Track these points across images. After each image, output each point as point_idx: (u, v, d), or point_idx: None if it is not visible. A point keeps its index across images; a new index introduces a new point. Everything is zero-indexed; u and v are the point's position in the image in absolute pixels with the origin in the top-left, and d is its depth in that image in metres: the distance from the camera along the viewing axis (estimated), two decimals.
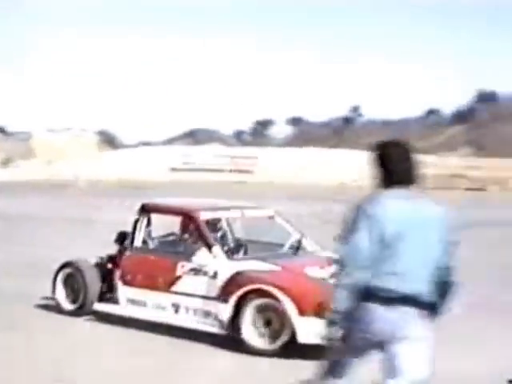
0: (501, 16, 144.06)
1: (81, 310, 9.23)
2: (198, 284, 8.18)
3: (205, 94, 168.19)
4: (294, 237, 9.06)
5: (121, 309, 8.91)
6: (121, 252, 9.22)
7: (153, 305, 8.55)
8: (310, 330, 7.26)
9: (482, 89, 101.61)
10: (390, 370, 4.38)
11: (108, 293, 9.26)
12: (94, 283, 9.15)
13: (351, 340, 4.38)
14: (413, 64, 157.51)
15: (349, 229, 4.29)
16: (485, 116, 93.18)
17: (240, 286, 7.84)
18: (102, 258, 9.43)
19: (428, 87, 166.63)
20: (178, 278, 8.34)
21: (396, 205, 4.24)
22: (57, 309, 9.50)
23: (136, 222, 9.06)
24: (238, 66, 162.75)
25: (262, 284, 7.74)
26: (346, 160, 49.42)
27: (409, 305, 4.25)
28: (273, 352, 7.61)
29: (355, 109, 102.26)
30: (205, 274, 8.16)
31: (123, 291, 8.87)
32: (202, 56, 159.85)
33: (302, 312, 7.41)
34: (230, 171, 47.34)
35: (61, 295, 9.37)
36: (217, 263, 8.15)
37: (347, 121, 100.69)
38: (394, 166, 4.26)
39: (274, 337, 7.66)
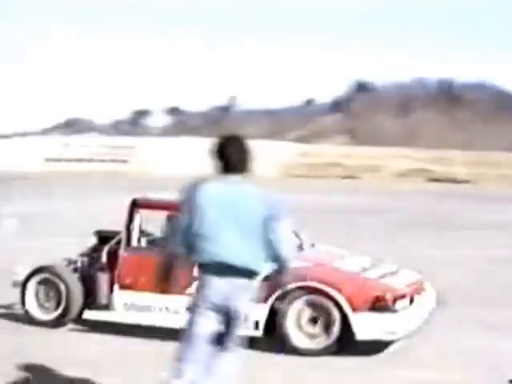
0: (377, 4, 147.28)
1: (60, 321, 8.20)
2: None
3: (81, 83, 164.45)
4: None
5: (118, 315, 7.99)
6: (110, 254, 8.15)
7: (162, 309, 7.71)
8: (366, 326, 7.05)
9: (358, 79, 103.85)
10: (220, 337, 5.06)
11: (92, 299, 8.15)
12: (76, 289, 8.05)
13: (197, 308, 5.06)
14: (291, 53, 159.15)
15: (179, 209, 5.02)
16: (360, 106, 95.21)
17: (281, 284, 7.04)
18: (79, 261, 8.36)
19: (306, 77, 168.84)
20: (195, 278, 7.36)
21: (217, 187, 4.87)
22: (25, 319, 8.36)
23: (130, 219, 8.13)
24: (114, 56, 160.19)
25: (310, 281, 7.27)
26: (210, 147, 49.22)
27: (235, 274, 4.92)
28: (318, 352, 7.23)
29: (232, 98, 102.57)
30: None
31: (121, 296, 7.98)
32: (78, 44, 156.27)
33: (356, 308, 7.05)
34: (107, 161, 46.47)
35: (32, 304, 8.19)
36: None
37: (225, 110, 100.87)
38: (229, 156, 4.90)
39: (320, 336, 7.28)
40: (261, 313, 7.26)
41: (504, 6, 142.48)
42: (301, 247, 8.08)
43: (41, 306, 8.20)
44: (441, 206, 24.98)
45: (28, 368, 6.78)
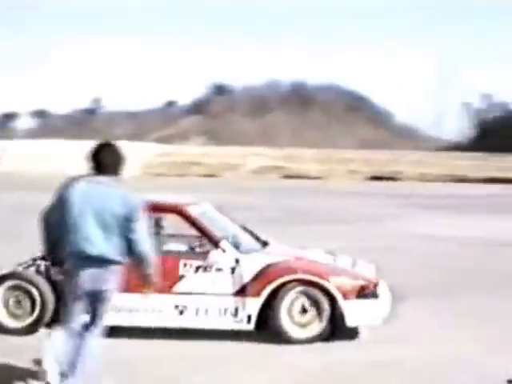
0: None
1: (33, 327, 7.56)
2: (210, 282, 7.33)
3: None
4: (237, 230, 8.20)
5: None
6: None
7: (147, 310, 7.35)
8: (355, 313, 7.23)
9: (216, 82, 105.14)
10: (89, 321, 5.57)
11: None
12: (49, 294, 7.57)
13: (69, 293, 5.50)
14: (152, 55, 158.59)
15: (51, 206, 5.47)
16: (218, 107, 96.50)
17: (275, 278, 7.26)
18: (42, 265, 7.73)
19: (166, 79, 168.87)
20: (182, 277, 7.37)
21: (85, 186, 5.34)
22: None
23: None
24: None
25: (301, 273, 7.30)
26: (87, 151, 49.20)
27: (99, 263, 5.38)
28: (312, 339, 7.27)
29: (97, 100, 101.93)
30: (218, 270, 7.34)
31: None
32: None
33: (346, 297, 7.20)
34: None
35: (1, 313, 7.60)
36: (231, 257, 7.39)
37: (90, 112, 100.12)
38: (101, 159, 5.38)
39: (311, 324, 7.31)
40: (254, 307, 7.24)
41: (349, 9, 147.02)
42: (266, 243, 8.03)
43: (11, 313, 7.64)
44: (294, 201, 25.75)
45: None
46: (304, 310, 7.29)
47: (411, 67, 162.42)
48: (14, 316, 7.60)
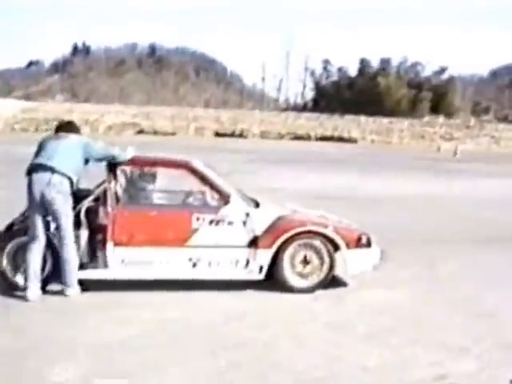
0: None
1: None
2: (223, 235, 7.06)
3: None
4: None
5: (116, 273, 6.93)
6: (87, 212, 6.93)
7: (162, 263, 7.00)
8: (356, 262, 7.25)
9: (75, 43, 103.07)
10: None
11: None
12: None
13: (28, 202, 6.60)
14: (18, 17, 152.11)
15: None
16: (79, 67, 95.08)
17: (287, 230, 7.09)
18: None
19: (28, 39, 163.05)
20: (195, 231, 7.03)
21: (49, 137, 7.06)
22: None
23: (113, 176, 7.02)
24: None
25: (312, 225, 7.20)
26: None
27: (47, 170, 6.55)
28: (313, 289, 7.18)
29: None
30: (230, 223, 7.06)
31: (116, 253, 6.87)
32: None
33: (349, 247, 7.19)
34: None
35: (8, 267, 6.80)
36: (241, 211, 7.13)
37: None
38: (61, 123, 7.38)
39: (311, 275, 7.22)
40: (265, 258, 7.06)
41: None
42: (257, 204, 7.57)
43: (16, 268, 6.80)
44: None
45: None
46: (305, 261, 7.18)
47: (261, 36, 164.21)
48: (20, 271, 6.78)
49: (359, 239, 7.27)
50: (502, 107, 71.37)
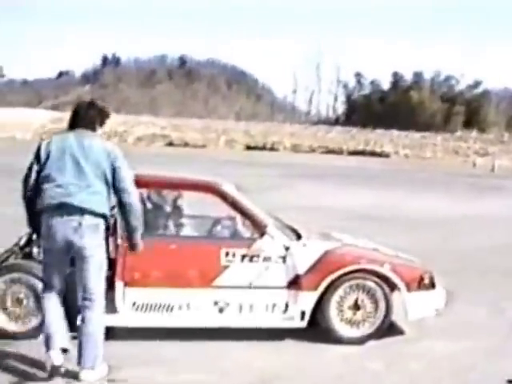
0: None
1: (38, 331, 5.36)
2: (257, 273, 5.78)
3: None
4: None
5: (123, 319, 5.66)
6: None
7: (182, 307, 5.73)
8: (417, 306, 6.01)
9: (104, 53, 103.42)
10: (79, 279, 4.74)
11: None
12: None
13: (44, 251, 4.77)
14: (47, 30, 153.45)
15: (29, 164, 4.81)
16: (108, 78, 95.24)
17: (337, 268, 5.81)
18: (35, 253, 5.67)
19: (58, 50, 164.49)
20: (224, 268, 5.74)
21: (60, 138, 4.81)
22: None
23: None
24: None
25: (367, 263, 5.91)
26: None
27: (75, 213, 4.61)
28: (365, 339, 5.93)
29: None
30: (266, 259, 5.77)
31: (126, 295, 5.63)
32: None
33: (409, 288, 5.93)
34: None
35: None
36: (279, 245, 5.83)
37: None
38: (78, 114, 4.90)
39: (365, 321, 5.97)
40: (308, 301, 5.79)
41: None
42: (299, 235, 6.22)
43: (9, 314, 5.62)
44: (177, 168, 25.54)
45: None
46: (356, 306, 5.93)
47: (292, 48, 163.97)
48: (12, 316, 5.66)
49: (421, 279, 6.00)
50: None
